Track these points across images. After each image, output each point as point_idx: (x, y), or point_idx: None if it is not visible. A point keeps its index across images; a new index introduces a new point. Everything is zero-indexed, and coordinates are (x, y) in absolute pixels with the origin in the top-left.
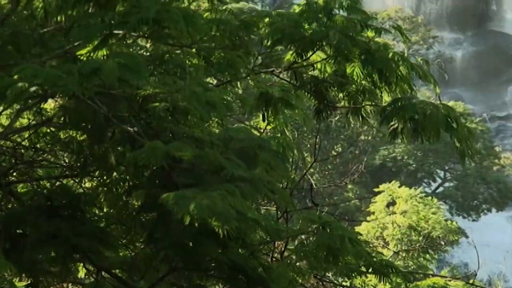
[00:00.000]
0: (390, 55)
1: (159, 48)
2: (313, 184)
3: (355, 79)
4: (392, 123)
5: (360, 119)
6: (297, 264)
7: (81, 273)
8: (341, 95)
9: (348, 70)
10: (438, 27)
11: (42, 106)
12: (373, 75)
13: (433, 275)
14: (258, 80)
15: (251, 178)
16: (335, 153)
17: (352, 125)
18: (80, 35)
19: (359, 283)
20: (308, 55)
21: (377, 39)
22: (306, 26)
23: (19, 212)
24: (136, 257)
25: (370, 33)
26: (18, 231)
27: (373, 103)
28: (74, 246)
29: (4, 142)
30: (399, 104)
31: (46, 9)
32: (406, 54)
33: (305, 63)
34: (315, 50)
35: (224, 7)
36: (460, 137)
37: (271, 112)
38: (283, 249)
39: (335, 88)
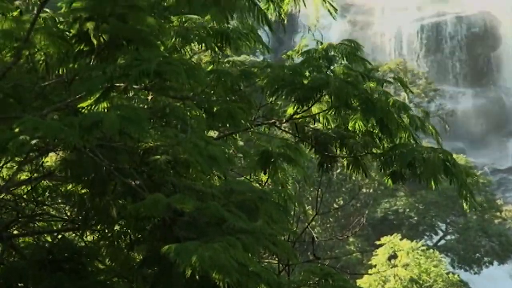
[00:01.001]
0: (391, 103)
1: (161, 101)
2: (315, 237)
3: (357, 132)
4: (391, 168)
5: (361, 171)
6: None
7: None
8: (342, 147)
9: (350, 125)
10: (439, 80)
11: (43, 159)
12: (374, 127)
13: None
14: (259, 132)
15: (253, 231)
16: (337, 206)
17: (353, 178)
18: (82, 88)
19: None
20: (309, 105)
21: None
22: (307, 74)
23: (21, 266)
24: None
25: (371, 84)
26: (19, 284)
27: (373, 152)
28: None
29: (5, 196)
30: (398, 150)
31: (48, 62)
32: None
33: (306, 114)
34: (316, 98)
35: (226, 60)
36: (459, 180)
37: (272, 167)
38: None
39: (337, 141)
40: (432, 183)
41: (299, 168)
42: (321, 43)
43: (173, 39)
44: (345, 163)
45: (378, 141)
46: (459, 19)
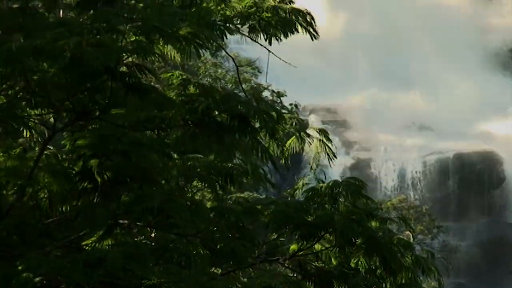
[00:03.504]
0: (395, 242)
1: (164, 237)
2: None
3: (360, 270)
4: None
5: None
6: None
7: None
8: (345, 286)
9: (353, 262)
10: (442, 216)
11: None
12: (377, 266)
13: None
14: (263, 269)
15: None
16: None
17: None
18: (85, 225)
19: None
20: (313, 242)
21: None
22: (312, 211)
23: None
24: None
25: (375, 223)
26: None
27: None
28: None
29: None
30: None
31: (51, 199)
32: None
33: (309, 252)
34: (320, 235)
35: (229, 196)
36: None
37: None
38: None
39: (340, 280)
40: None
41: None
42: (323, 182)
43: (177, 177)
44: None
45: (381, 281)
46: (462, 156)
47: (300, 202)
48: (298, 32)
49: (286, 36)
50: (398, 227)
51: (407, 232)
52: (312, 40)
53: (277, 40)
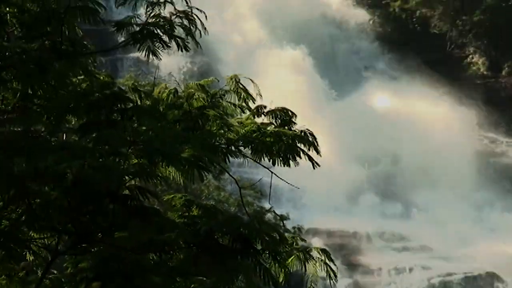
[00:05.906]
0: None
1: None
2: None
3: None
4: None
5: None
6: None
7: None
8: None
9: None
10: None
11: None
12: None
13: None
14: None
15: None
16: None
17: None
18: None
19: None
20: None
21: None
22: None
23: None
24: None
25: None
26: None
27: None
28: None
29: None
30: None
31: None
32: None
33: None
34: None
35: None
36: None
37: None
38: None
39: None
40: None
41: None
42: None
43: None
44: None
45: None
46: (467, 279)
47: None
48: (300, 158)
49: (288, 163)
50: None
51: None
52: (314, 168)
53: (281, 164)
